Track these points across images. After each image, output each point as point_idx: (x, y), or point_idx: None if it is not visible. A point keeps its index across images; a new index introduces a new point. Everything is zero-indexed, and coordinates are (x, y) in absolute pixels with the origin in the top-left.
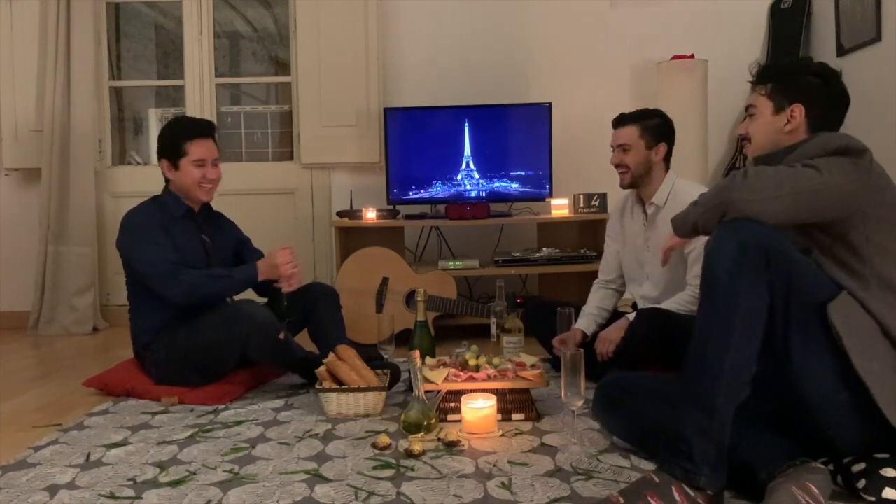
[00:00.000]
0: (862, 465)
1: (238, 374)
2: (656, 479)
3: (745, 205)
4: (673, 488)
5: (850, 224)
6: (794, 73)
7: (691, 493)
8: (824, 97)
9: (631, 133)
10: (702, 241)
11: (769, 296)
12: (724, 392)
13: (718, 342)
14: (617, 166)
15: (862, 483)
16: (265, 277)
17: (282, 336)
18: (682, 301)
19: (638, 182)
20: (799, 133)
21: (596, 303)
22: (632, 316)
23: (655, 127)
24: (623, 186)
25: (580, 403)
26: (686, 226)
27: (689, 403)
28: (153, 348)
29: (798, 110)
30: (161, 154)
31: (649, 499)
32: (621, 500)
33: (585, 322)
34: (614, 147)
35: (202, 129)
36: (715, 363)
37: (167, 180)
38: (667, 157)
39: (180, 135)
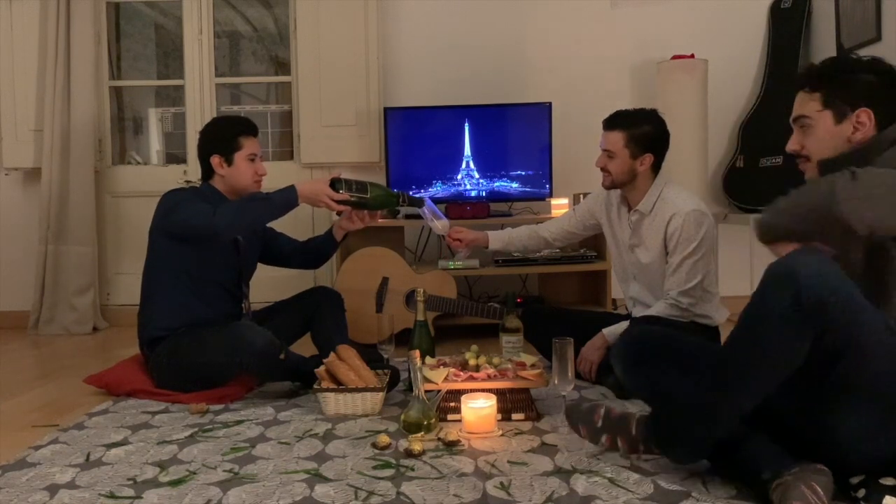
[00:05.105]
0: (861, 476)
1: (238, 375)
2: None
3: (855, 214)
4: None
5: None
6: (848, 74)
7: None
8: (886, 94)
9: (616, 140)
10: (679, 255)
11: (811, 349)
12: (718, 423)
13: (732, 383)
14: (601, 169)
15: (862, 493)
16: (306, 202)
17: (283, 357)
18: (663, 312)
19: (621, 187)
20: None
21: (517, 233)
22: (608, 330)
23: (643, 136)
24: (605, 188)
25: (570, 388)
26: (776, 232)
27: (687, 406)
28: (157, 351)
29: (866, 115)
30: (212, 150)
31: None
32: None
33: (494, 235)
34: (601, 149)
35: (251, 126)
36: (719, 401)
37: (208, 178)
38: (655, 166)
39: (235, 130)
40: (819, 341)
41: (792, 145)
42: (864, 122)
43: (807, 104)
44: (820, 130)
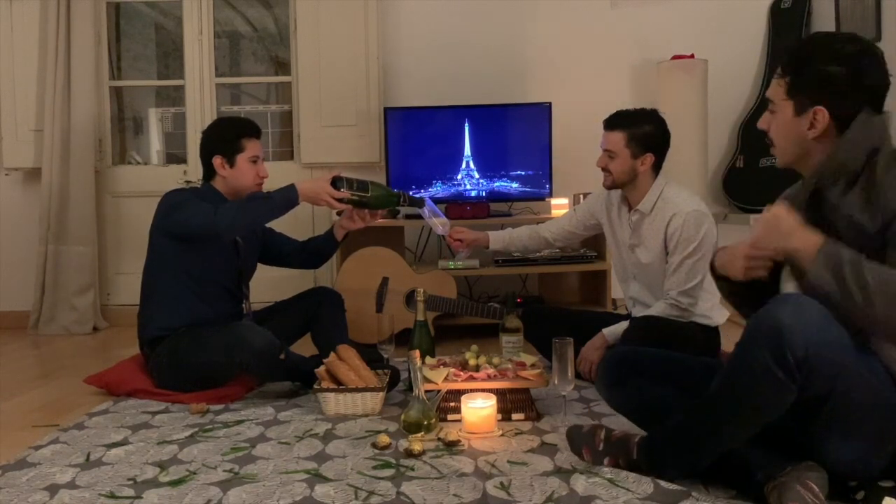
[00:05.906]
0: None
1: (238, 375)
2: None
3: None
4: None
5: None
6: (815, 63)
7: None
8: (850, 90)
9: (617, 140)
10: (679, 255)
11: (797, 396)
12: (705, 455)
13: (716, 429)
14: (602, 169)
15: (861, 495)
16: (307, 200)
17: (282, 357)
18: (663, 312)
19: (622, 187)
20: (828, 136)
21: (518, 233)
22: (608, 331)
23: (644, 136)
24: (606, 188)
25: (570, 388)
26: (824, 288)
27: (674, 437)
28: (157, 351)
29: (821, 114)
30: (215, 150)
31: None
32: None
33: (495, 235)
34: (602, 149)
35: (254, 128)
36: (707, 440)
37: (209, 178)
38: (655, 166)
39: (238, 131)
40: (804, 389)
41: (761, 123)
42: (818, 120)
43: (775, 89)
44: (780, 119)
